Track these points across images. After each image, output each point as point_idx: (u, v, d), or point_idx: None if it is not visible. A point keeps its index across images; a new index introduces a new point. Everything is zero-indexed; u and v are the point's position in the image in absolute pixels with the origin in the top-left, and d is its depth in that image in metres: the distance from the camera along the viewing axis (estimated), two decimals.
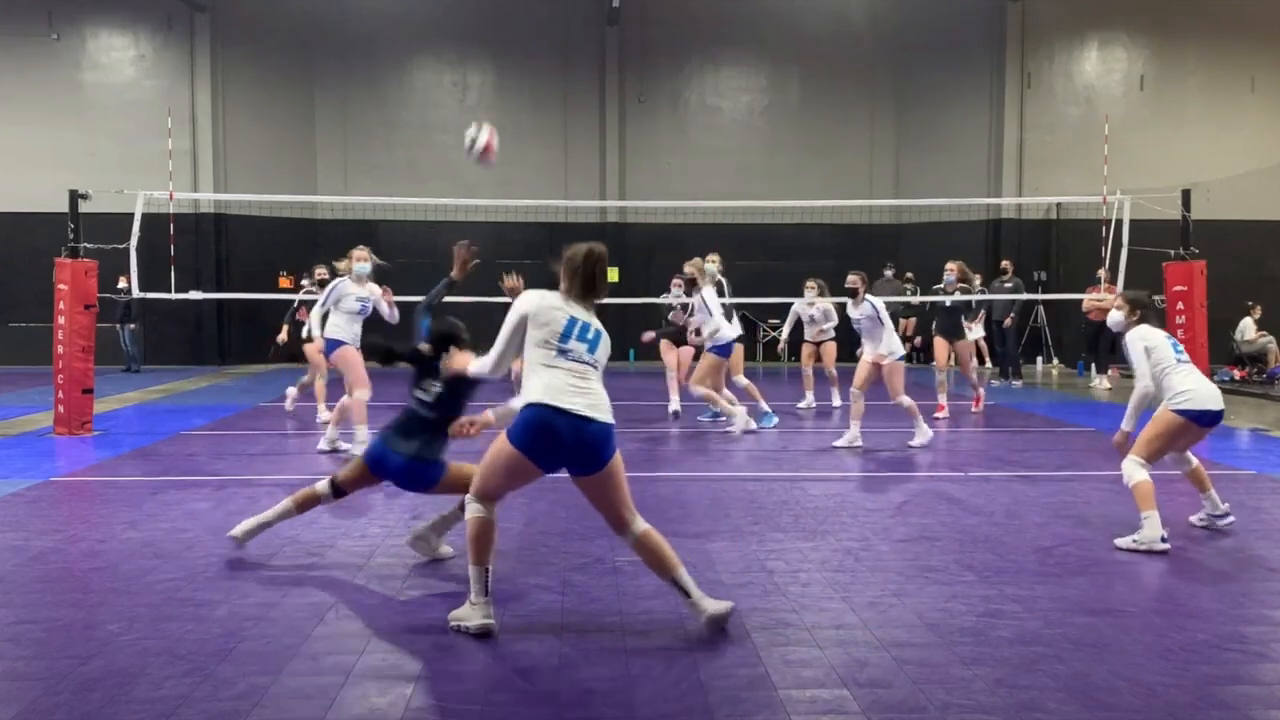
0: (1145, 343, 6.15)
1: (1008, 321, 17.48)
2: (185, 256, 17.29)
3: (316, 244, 21.25)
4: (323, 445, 9.47)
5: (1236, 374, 16.95)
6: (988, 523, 6.58)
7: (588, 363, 4.42)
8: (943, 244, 20.49)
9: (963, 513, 6.87)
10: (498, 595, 4.95)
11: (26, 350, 18.43)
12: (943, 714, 3.57)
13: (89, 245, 10.95)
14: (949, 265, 12.59)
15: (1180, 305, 10.96)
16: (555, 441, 4.30)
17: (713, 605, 4.43)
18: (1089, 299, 15.64)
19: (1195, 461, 6.41)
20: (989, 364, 18.89)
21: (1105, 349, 16.51)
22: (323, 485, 5.53)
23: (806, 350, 13.32)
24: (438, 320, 5.37)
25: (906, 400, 9.74)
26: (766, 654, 4.16)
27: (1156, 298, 11.53)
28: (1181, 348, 6.32)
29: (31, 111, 20.17)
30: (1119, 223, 11.83)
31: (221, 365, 20.21)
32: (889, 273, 19.56)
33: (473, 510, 4.46)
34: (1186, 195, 11.40)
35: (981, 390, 12.98)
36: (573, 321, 4.44)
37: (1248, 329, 17.56)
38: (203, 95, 20.62)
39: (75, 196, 11.01)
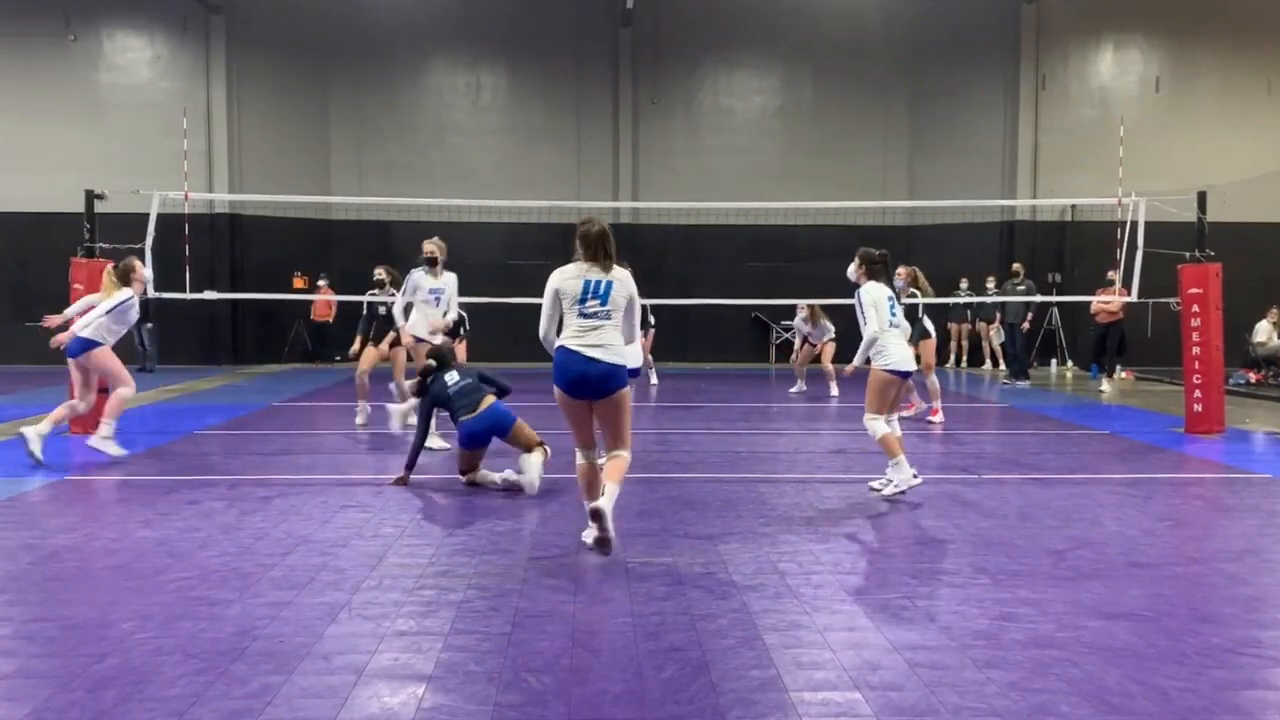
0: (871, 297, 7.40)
1: (1025, 324, 17.50)
2: (200, 257, 17.36)
3: (330, 245, 21.36)
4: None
5: (1252, 377, 16.82)
6: (1001, 526, 6.56)
7: (600, 314, 5.55)
8: (956, 246, 20.50)
9: (976, 515, 6.84)
10: (508, 594, 4.97)
11: (43, 349, 18.48)
12: (955, 717, 3.56)
13: (104, 245, 11.01)
14: (899, 270, 11.74)
15: (1195, 308, 10.90)
16: (572, 374, 5.51)
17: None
18: (1097, 300, 15.70)
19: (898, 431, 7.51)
20: (1001, 365, 18.89)
21: (1111, 351, 16.42)
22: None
23: (806, 351, 15.75)
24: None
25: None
26: (778, 656, 4.15)
27: (1172, 300, 11.49)
28: (898, 311, 7.57)
29: (48, 112, 20.28)
30: (1134, 225, 11.76)
31: (235, 365, 20.27)
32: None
33: (577, 458, 5.83)
34: (1202, 197, 11.32)
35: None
36: (587, 284, 5.57)
37: (1263, 331, 17.45)
38: (218, 96, 20.70)
39: (91, 196, 11.07)
